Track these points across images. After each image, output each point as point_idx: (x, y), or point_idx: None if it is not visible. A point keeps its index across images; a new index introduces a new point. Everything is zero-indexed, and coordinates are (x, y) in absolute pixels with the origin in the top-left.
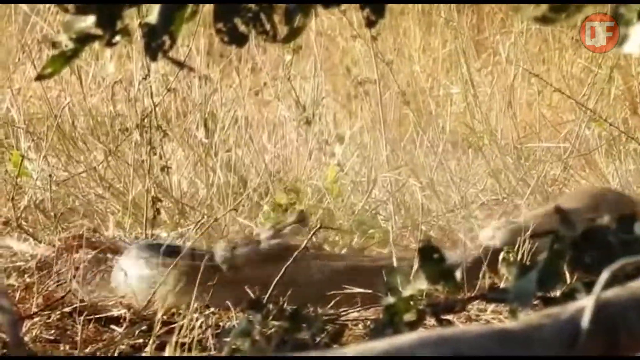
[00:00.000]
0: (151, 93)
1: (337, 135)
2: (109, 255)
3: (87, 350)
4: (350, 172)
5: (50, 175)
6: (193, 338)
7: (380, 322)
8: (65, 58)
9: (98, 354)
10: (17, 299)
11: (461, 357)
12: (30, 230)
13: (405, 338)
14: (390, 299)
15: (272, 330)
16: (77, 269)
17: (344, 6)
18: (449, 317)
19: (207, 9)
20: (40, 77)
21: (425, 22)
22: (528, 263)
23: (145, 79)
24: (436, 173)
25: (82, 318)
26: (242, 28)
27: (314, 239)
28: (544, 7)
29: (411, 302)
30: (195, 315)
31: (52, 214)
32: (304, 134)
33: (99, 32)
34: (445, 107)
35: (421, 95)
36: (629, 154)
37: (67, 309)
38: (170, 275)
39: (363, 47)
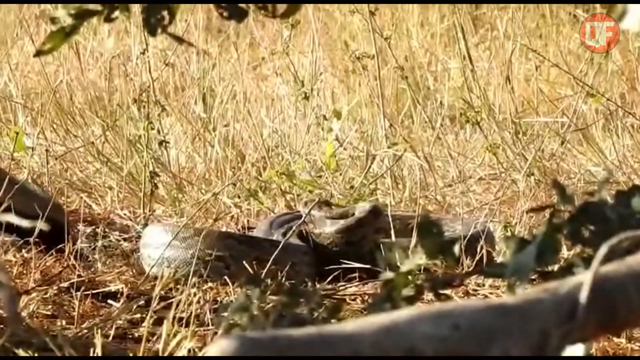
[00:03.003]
0: (149, 68)
1: (335, 111)
2: (106, 230)
3: (84, 326)
4: (348, 146)
5: (47, 150)
6: (191, 313)
7: (379, 297)
8: (64, 34)
9: (95, 329)
10: (14, 274)
11: (459, 331)
12: None
13: (404, 313)
14: (389, 274)
15: (270, 305)
16: (74, 244)
17: None
18: (447, 291)
19: None
20: (39, 53)
21: None
22: (526, 237)
23: (143, 53)
24: (434, 148)
25: (79, 293)
26: (241, 3)
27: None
28: None
29: (409, 277)
30: (193, 291)
31: (49, 189)
32: (302, 108)
33: (97, 7)
34: (443, 82)
35: (419, 70)
36: (626, 129)
37: (64, 284)
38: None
39: (361, 22)
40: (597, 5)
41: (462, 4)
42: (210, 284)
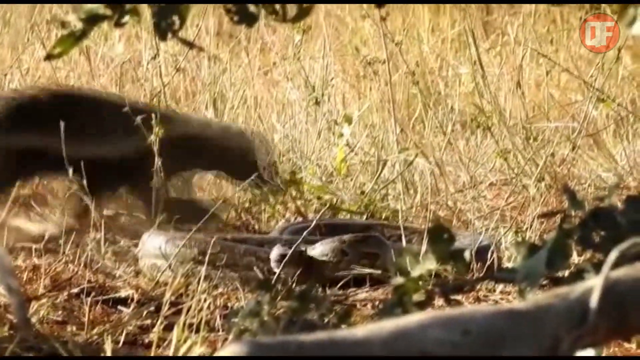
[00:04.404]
0: (160, 73)
1: (345, 116)
2: (117, 236)
3: (94, 331)
4: (359, 152)
5: None
6: (201, 319)
7: (389, 302)
8: (74, 38)
9: (105, 335)
10: (24, 279)
11: (470, 336)
12: (39, 210)
13: (414, 318)
14: (399, 279)
15: (281, 310)
16: (84, 250)
17: None
18: (458, 297)
19: None
20: (49, 57)
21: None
22: (537, 243)
23: (154, 58)
24: (445, 153)
25: (89, 299)
26: (251, 8)
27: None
28: None
29: (420, 283)
30: (204, 296)
31: (60, 194)
32: (313, 113)
33: (108, 12)
34: (454, 87)
35: (430, 75)
36: (636, 134)
37: (74, 290)
38: None
39: (372, 27)
40: (608, 10)
41: (468, 4)
42: (220, 290)
